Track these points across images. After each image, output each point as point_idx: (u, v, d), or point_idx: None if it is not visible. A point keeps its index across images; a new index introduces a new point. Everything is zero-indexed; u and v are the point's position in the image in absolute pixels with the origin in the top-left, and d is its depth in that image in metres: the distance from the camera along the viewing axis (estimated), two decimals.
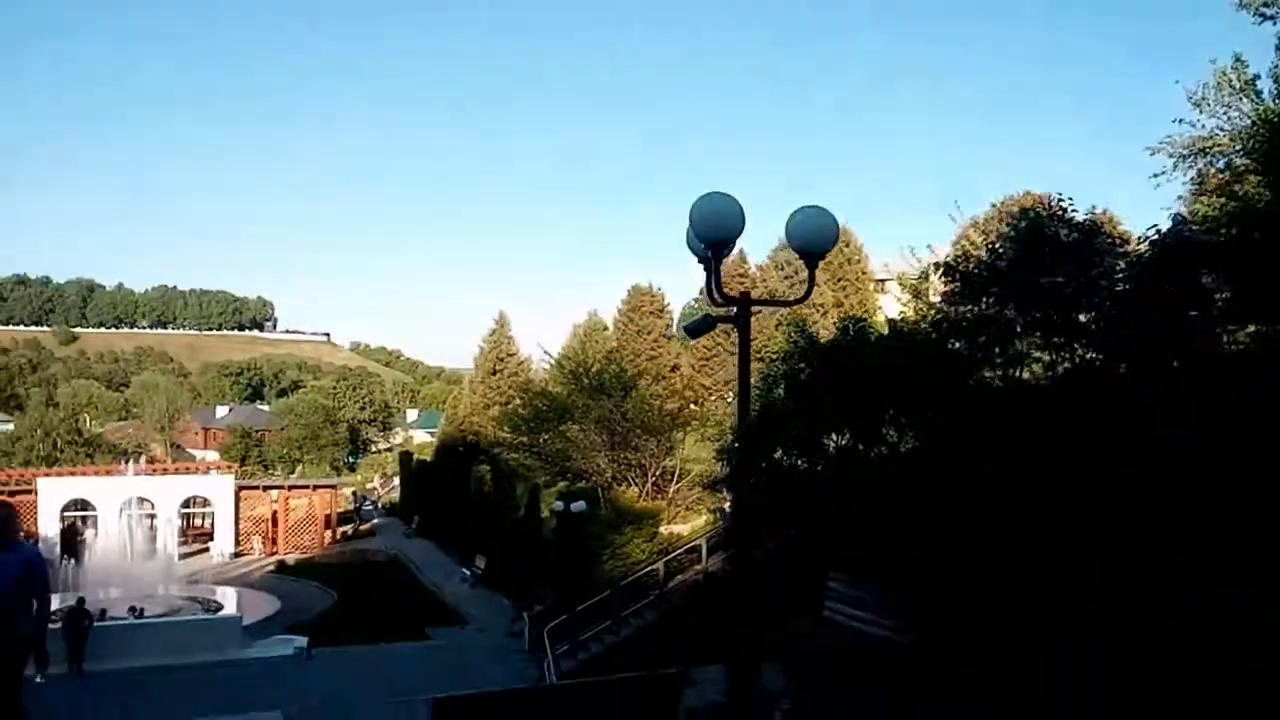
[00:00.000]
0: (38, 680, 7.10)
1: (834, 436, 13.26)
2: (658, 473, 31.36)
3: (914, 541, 10.03)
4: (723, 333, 49.09)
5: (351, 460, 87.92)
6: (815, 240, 6.06)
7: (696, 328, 6.45)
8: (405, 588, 36.42)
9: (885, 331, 15.51)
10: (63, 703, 19.20)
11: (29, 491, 43.24)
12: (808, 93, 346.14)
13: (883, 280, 62.05)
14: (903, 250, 30.44)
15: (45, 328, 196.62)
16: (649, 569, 23.74)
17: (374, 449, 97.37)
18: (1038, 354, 11.09)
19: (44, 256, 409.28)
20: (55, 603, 32.71)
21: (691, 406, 37.67)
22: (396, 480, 67.93)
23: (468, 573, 34.32)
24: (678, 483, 31.18)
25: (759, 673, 11.02)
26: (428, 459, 54.15)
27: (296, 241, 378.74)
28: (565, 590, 26.32)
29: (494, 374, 52.64)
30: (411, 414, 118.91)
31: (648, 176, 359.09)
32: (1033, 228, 11.32)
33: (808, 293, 6.37)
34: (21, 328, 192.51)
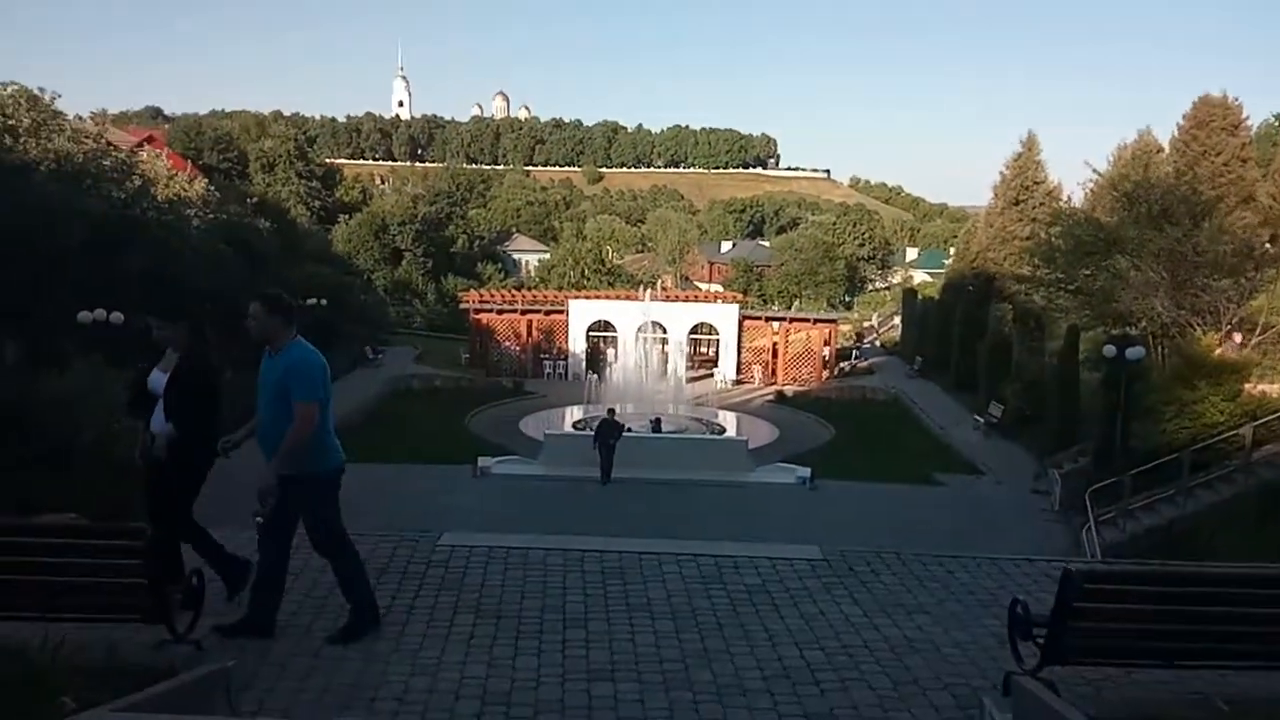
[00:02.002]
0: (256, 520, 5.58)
1: None
2: (1233, 320, 26.04)
3: None
4: None
5: (848, 298, 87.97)
6: None
7: None
8: (908, 429, 35.12)
9: None
10: (596, 501, 20.99)
11: (562, 311, 48.76)
12: None
13: None
14: None
15: (576, 168, 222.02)
16: (1228, 433, 19.49)
17: (871, 287, 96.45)
18: None
19: (576, 101, 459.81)
20: (579, 412, 37.02)
21: (1267, 246, 30.81)
22: (896, 319, 66.37)
23: (980, 420, 31.90)
24: (1262, 334, 25.72)
25: None
26: (934, 297, 51.57)
27: (800, 79, 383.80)
28: (1105, 448, 23.02)
29: (1016, 204, 47.76)
30: (911, 253, 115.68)
31: None
32: None
33: None
34: (556, 168, 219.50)
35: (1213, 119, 43.74)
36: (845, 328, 61.18)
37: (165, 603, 4.64)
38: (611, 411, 24.46)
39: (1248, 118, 44.22)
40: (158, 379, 6.05)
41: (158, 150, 54.28)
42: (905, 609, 6.46)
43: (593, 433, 24.28)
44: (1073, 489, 21.91)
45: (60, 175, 24.92)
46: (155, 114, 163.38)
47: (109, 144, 30.20)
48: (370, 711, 4.75)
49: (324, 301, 39.83)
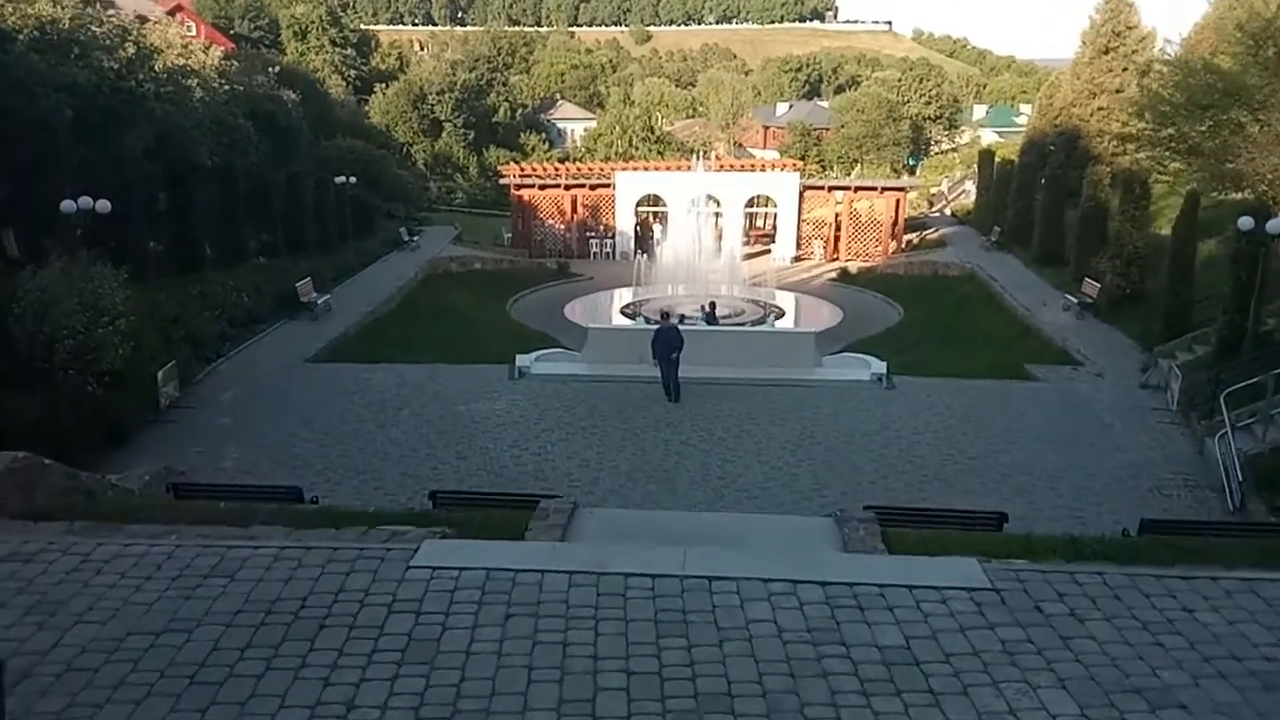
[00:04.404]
0: None
1: None
2: None
3: None
4: None
5: (911, 162, 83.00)
6: None
7: None
8: (987, 311, 32.15)
9: None
10: (646, 410, 18.64)
11: (608, 185, 45.63)
12: None
13: None
14: None
15: (622, 28, 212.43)
16: None
17: (936, 149, 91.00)
18: None
19: None
20: (628, 295, 34.49)
21: None
22: (967, 184, 62.10)
23: (1073, 300, 28.78)
24: None
25: None
26: (1011, 160, 47.39)
27: None
28: (1232, 337, 20.10)
29: (1106, 53, 43.20)
30: (978, 110, 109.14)
31: None
32: None
33: None
34: (602, 28, 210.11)
35: None
36: (912, 195, 57.19)
37: None
38: (665, 316, 21.04)
39: None
40: None
41: (185, 20, 51.41)
42: (1143, 697, 4.02)
43: (648, 324, 21.58)
44: (1195, 384, 19.13)
45: (43, 45, 22.32)
46: None
47: (100, 6, 27.32)
48: None
49: (353, 179, 37.33)
